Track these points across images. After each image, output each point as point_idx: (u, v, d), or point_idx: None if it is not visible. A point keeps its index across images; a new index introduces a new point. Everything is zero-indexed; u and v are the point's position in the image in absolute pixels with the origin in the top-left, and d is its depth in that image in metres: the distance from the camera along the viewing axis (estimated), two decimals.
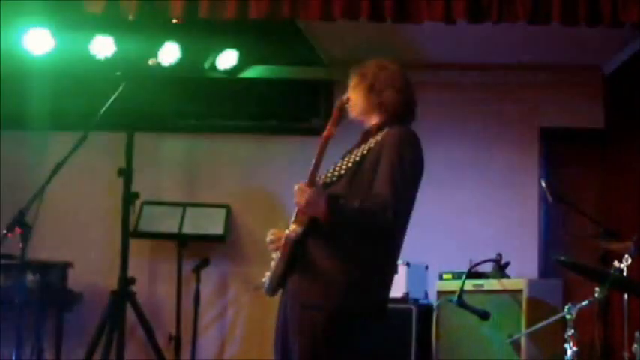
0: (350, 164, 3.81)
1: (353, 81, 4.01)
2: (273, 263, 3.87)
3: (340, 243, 3.73)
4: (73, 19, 6.00)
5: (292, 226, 3.78)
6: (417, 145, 3.88)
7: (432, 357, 6.06)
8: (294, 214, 3.83)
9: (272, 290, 3.93)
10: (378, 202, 3.69)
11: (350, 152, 3.89)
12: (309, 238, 3.76)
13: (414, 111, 3.99)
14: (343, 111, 3.93)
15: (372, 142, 3.84)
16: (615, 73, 6.84)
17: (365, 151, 3.81)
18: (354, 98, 3.97)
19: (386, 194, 3.69)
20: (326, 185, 3.80)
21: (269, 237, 3.96)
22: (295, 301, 3.80)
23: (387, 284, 3.87)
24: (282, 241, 3.80)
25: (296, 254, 3.77)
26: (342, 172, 3.81)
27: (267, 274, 3.90)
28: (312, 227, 3.75)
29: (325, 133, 3.83)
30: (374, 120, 3.96)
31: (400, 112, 3.93)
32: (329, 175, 3.84)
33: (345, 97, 3.96)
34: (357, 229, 3.73)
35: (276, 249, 3.88)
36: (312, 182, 3.75)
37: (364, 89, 3.95)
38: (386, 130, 3.87)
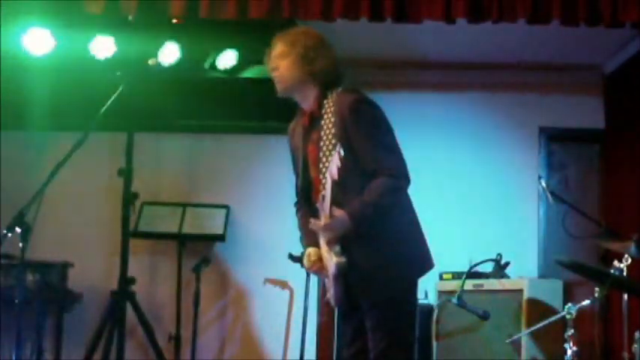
0: (330, 165, 3.81)
1: (279, 49, 3.96)
2: (331, 292, 3.92)
3: (372, 236, 3.80)
4: (73, 19, 6.00)
5: (333, 258, 3.82)
6: (370, 103, 3.89)
7: (432, 357, 6.06)
8: (324, 241, 3.89)
9: (341, 306, 3.98)
10: (383, 179, 3.76)
11: (307, 142, 3.90)
12: (348, 250, 3.81)
13: (342, 73, 3.99)
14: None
15: (329, 126, 3.82)
16: (615, 73, 6.84)
17: (332, 141, 3.80)
18: (283, 69, 3.94)
19: (383, 164, 3.77)
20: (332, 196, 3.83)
21: (307, 264, 4.01)
22: (367, 301, 3.86)
23: (422, 236, 3.97)
24: (333, 271, 3.83)
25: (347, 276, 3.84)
26: (334, 176, 3.81)
27: (329, 294, 3.96)
28: (346, 245, 3.82)
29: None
30: (307, 94, 3.94)
31: (332, 80, 3.93)
32: (323, 184, 3.82)
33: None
34: (384, 212, 3.79)
35: (319, 272, 3.98)
36: (330, 213, 3.78)
37: (296, 59, 3.92)
38: (328, 102, 3.86)
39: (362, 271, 3.82)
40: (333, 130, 3.82)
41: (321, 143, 3.85)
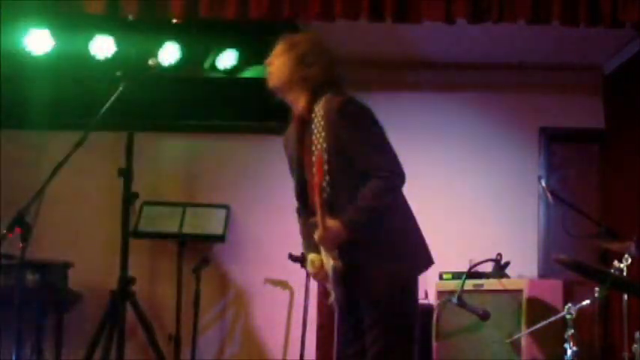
0: (325, 166, 3.80)
1: (280, 48, 3.99)
2: (332, 296, 3.93)
3: (368, 237, 3.79)
4: (73, 19, 6.00)
5: (330, 261, 3.83)
6: (357, 104, 3.88)
7: (432, 357, 6.06)
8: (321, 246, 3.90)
9: (343, 309, 3.95)
10: (375, 182, 3.75)
11: (301, 147, 3.90)
12: (345, 252, 3.82)
13: (337, 81, 3.97)
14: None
15: (319, 132, 3.83)
16: (615, 73, 6.84)
17: (324, 145, 3.81)
18: (278, 65, 3.95)
19: (376, 166, 3.76)
20: (326, 202, 3.81)
21: (312, 270, 4.00)
22: (367, 301, 3.85)
23: (419, 233, 3.96)
24: (331, 274, 3.85)
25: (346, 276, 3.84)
26: (328, 179, 3.81)
27: (331, 298, 3.94)
28: (343, 248, 3.83)
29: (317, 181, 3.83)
30: (298, 99, 3.93)
31: (322, 90, 3.91)
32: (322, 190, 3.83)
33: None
34: (379, 214, 3.79)
35: (323, 280, 3.97)
36: (324, 225, 3.77)
37: (293, 59, 3.93)
38: (318, 108, 3.85)
39: (360, 273, 3.82)
40: (323, 134, 3.82)
41: (313, 147, 3.85)
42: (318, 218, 3.78)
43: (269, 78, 3.99)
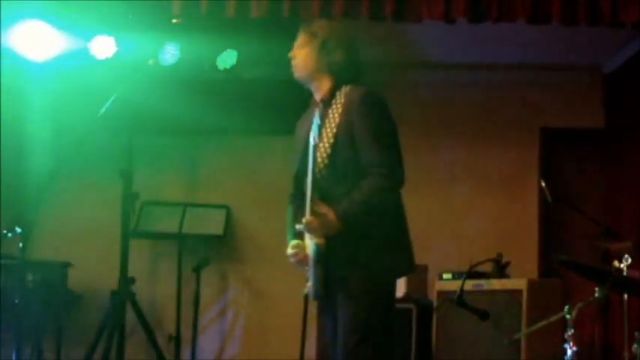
0: (328, 150, 3.81)
1: (301, 39, 3.98)
2: (309, 274, 3.86)
3: (359, 227, 3.77)
4: (73, 19, 6.00)
5: (314, 239, 3.79)
6: (381, 101, 3.89)
7: (432, 357, 6.06)
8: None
9: (320, 296, 3.88)
10: (374, 178, 3.75)
11: (318, 131, 3.86)
12: (331, 239, 3.78)
13: (362, 71, 4.00)
14: None
15: (334, 116, 3.83)
16: (615, 73, 6.84)
17: (334, 129, 3.81)
18: (302, 56, 3.94)
19: (378, 162, 3.75)
20: (317, 182, 3.80)
21: (291, 251, 3.94)
22: (345, 293, 3.82)
23: (408, 238, 3.92)
24: (312, 254, 3.80)
25: (327, 257, 3.80)
26: (326, 161, 3.81)
27: (308, 284, 3.89)
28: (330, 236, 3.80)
29: None
30: (321, 84, 3.94)
31: (348, 74, 3.93)
32: (316, 170, 3.81)
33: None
34: (372, 211, 3.78)
35: (301, 261, 3.90)
36: (314, 211, 3.76)
37: (315, 47, 3.93)
38: (340, 94, 3.87)
39: (342, 260, 3.78)
40: (337, 120, 3.82)
41: (323, 133, 3.84)
42: (308, 203, 3.76)
43: (294, 69, 3.98)
